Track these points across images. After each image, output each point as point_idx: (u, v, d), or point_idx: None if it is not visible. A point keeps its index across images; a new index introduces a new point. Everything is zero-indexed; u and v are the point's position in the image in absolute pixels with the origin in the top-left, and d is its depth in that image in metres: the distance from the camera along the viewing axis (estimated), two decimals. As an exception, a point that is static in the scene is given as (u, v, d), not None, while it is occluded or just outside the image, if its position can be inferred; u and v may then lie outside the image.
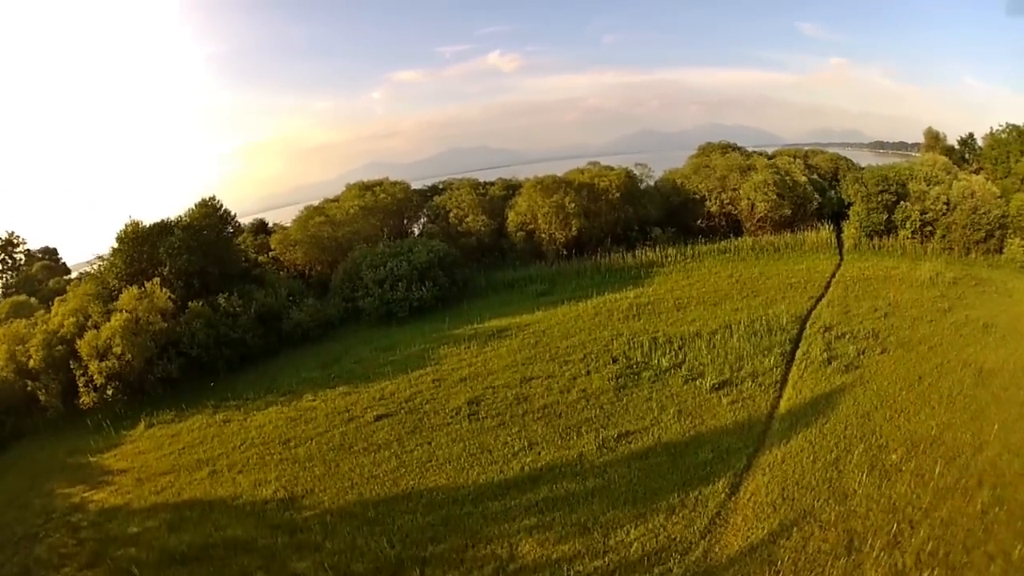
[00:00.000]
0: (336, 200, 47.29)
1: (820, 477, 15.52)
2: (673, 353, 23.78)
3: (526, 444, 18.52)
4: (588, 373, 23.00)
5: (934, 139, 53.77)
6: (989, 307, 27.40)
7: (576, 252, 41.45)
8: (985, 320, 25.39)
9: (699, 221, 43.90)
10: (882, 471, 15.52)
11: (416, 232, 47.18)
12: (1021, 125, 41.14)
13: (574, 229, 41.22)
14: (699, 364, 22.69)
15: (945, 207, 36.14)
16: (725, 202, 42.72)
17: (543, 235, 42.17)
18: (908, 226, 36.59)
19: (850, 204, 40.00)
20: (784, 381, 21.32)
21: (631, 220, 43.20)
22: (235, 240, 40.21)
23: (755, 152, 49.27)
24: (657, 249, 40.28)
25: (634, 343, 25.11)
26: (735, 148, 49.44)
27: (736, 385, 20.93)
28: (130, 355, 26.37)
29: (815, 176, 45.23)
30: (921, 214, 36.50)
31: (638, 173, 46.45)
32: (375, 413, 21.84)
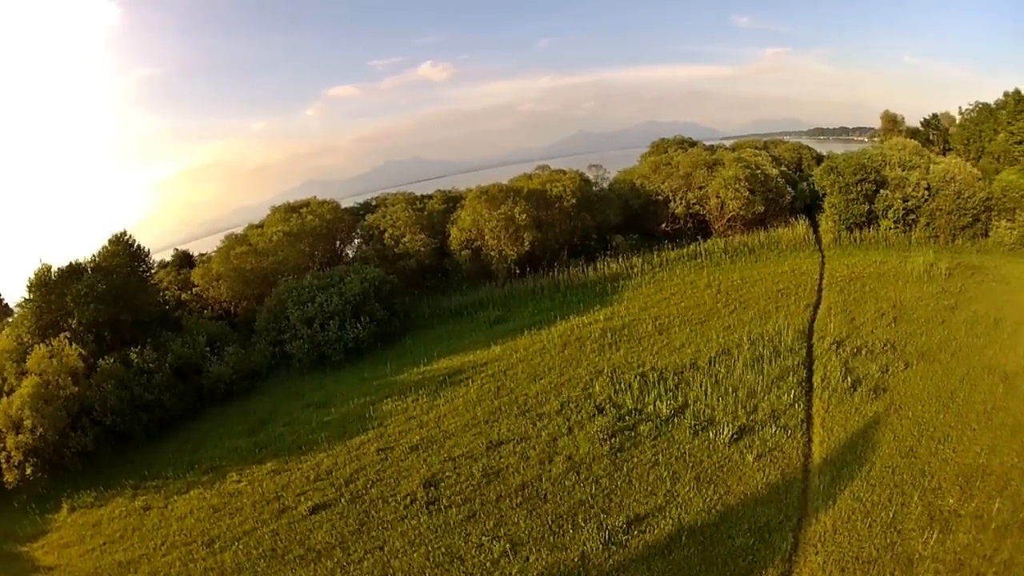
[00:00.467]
0: (261, 226, 41.79)
1: (880, 544, 13.21)
2: (671, 394, 19.91)
3: (507, 546, 14.40)
4: (571, 431, 18.96)
5: (892, 122, 52.27)
6: (992, 298, 26.10)
7: (530, 269, 37.28)
8: (994, 315, 24.03)
9: (663, 225, 40.36)
10: (942, 522, 13.60)
11: (351, 256, 42.31)
12: (992, 103, 39.30)
13: (526, 243, 36.90)
14: (706, 407, 18.91)
15: (927, 193, 34.02)
16: (692, 202, 39.44)
17: (491, 252, 37.63)
18: (891, 215, 34.24)
19: (824, 195, 37.37)
20: (809, 419, 18.08)
21: (589, 228, 39.65)
22: (150, 280, 35.04)
23: (716, 145, 46.63)
24: (620, 259, 36.76)
25: (620, 383, 21.21)
26: (692, 143, 46.53)
27: (757, 432, 17.37)
28: (42, 428, 23.13)
29: (783, 168, 42.50)
30: (903, 202, 34.05)
31: (592, 176, 42.92)
32: (311, 503, 17.67)
